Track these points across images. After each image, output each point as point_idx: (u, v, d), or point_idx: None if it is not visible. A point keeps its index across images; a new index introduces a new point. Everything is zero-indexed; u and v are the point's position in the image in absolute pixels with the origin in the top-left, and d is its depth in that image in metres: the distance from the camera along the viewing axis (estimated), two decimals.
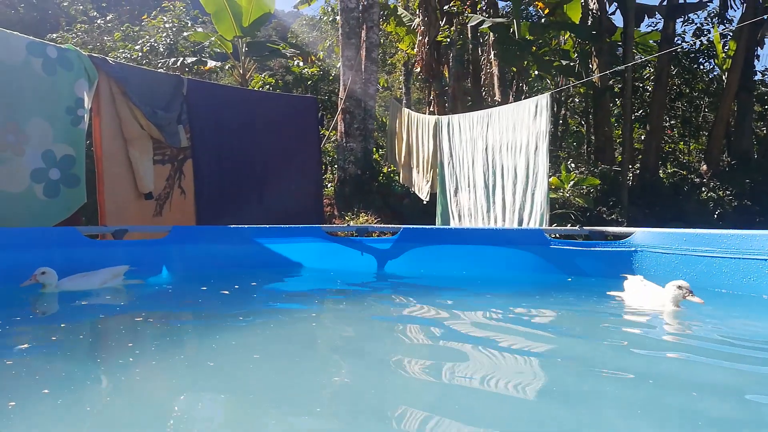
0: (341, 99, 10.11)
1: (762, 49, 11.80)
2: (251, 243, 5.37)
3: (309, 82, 12.81)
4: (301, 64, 13.12)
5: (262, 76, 12.93)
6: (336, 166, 10.62)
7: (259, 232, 5.45)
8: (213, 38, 11.91)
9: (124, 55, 11.11)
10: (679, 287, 3.21)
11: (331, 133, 11.24)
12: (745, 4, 10.98)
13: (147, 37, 12.30)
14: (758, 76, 13.45)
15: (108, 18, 14.86)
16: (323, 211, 9.22)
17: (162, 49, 11.73)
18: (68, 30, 13.97)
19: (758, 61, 12.25)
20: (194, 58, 11.57)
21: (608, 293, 3.72)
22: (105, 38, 13.19)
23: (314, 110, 8.68)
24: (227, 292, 4.06)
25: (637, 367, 2.27)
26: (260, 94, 8.66)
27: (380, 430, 1.63)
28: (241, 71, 11.98)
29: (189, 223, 6.74)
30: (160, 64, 11.15)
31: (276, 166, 7.85)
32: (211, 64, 11.99)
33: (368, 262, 5.32)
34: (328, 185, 11.07)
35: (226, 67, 12.99)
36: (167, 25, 12.28)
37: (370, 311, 3.56)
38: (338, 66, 11.09)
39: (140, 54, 11.31)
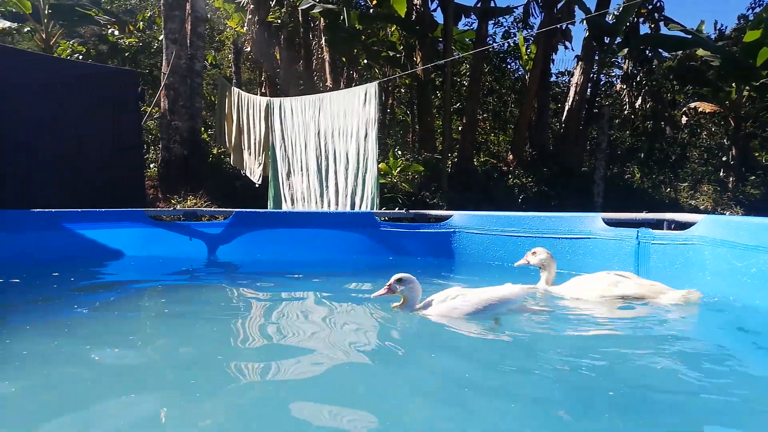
0: (164, 74, 9.44)
1: (556, 54, 13.50)
2: (59, 229, 4.85)
3: (127, 54, 11.78)
4: (117, 33, 11.98)
5: (71, 43, 11.55)
6: (160, 146, 9.91)
7: (70, 217, 4.94)
8: None
9: None
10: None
11: (154, 110, 10.46)
12: (543, 13, 12.45)
13: None
14: (553, 78, 15.38)
15: None
16: (146, 194, 8.61)
17: None
18: None
19: (553, 64, 14.00)
20: None
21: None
22: None
23: (134, 84, 8.04)
24: (17, 281, 3.65)
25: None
26: (70, 63, 7.79)
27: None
28: (43, 36, 10.59)
29: None
30: None
31: (90, 143, 7.14)
32: (3, 24, 10.42)
33: (198, 248, 5.13)
34: (151, 166, 10.33)
35: (25, 30, 11.38)
36: None
37: (200, 298, 3.45)
38: (161, 39, 10.32)
39: None
